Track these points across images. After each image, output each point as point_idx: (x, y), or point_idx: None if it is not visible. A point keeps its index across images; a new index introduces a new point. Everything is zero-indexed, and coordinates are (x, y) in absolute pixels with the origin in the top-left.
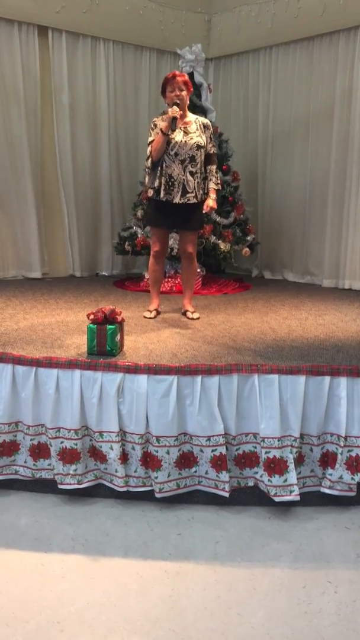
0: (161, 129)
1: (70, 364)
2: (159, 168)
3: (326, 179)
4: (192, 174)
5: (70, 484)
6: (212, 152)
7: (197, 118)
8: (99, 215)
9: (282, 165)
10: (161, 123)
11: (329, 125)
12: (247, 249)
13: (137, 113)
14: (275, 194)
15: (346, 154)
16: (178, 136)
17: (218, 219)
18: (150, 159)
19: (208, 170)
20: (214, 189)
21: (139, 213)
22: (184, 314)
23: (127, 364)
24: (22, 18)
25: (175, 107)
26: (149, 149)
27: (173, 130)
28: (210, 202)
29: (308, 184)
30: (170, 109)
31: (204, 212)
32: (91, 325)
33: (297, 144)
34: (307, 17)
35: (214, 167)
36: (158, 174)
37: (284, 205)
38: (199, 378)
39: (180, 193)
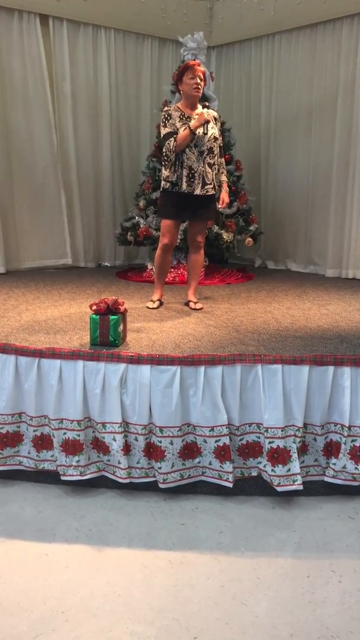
0: (189, 127)
1: (73, 355)
2: (179, 161)
3: (329, 168)
4: (210, 165)
5: (72, 476)
6: (221, 145)
7: (207, 111)
8: (101, 205)
9: (285, 154)
10: (175, 114)
11: (332, 113)
12: (250, 239)
13: (139, 102)
14: (278, 183)
15: (349, 142)
16: None
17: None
18: (173, 152)
19: (219, 163)
20: (226, 181)
21: (141, 203)
22: (187, 304)
23: (130, 354)
24: (23, 7)
25: (211, 111)
26: (172, 142)
27: (205, 134)
28: (225, 196)
29: (311, 173)
30: (204, 110)
31: (220, 207)
32: (94, 315)
33: (300, 132)
34: (310, 4)
35: (223, 160)
36: (178, 166)
37: (287, 194)
38: (202, 368)
39: (200, 185)
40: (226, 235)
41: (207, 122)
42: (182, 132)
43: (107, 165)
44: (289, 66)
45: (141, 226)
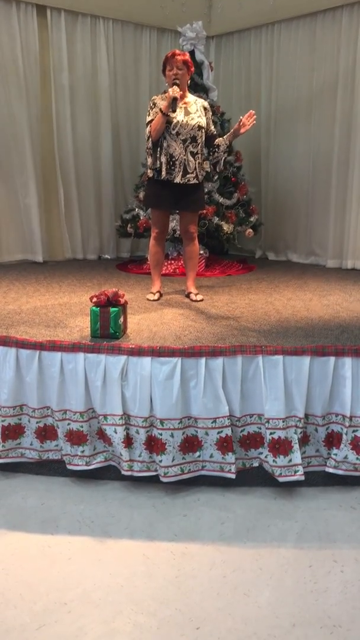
0: (160, 109)
1: (74, 347)
2: (160, 148)
3: (329, 158)
4: (193, 154)
5: (78, 465)
6: (215, 133)
7: (196, 99)
8: (100, 197)
9: (285, 144)
10: (160, 102)
11: (332, 102)
12: (251, 230)
13: (138, 92)
14: (279, 173)
15: (349, 131)
16: (179, 116)
17: (221, 199)
18: (150, 139)
19: (216, 142)
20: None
21: (141, 195)
22: (188, 295)
23: (130, 346)
24: None
25: (175, 87)
26: (147, 129)
27: (174, 111)
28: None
29: (311, 163)
30: (170, 89)
31: (245, 127)
32: (94, 308)
33: (300, 122)
34: None
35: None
36: (159, 154)
37: (287, 185)
38: (203, 360)
39: (181, 173)
40: (226, 227)
41: (175, 99)
42: (156, 118)
43: (106, 157)
44: (289, 55)
45: (141, 218)
